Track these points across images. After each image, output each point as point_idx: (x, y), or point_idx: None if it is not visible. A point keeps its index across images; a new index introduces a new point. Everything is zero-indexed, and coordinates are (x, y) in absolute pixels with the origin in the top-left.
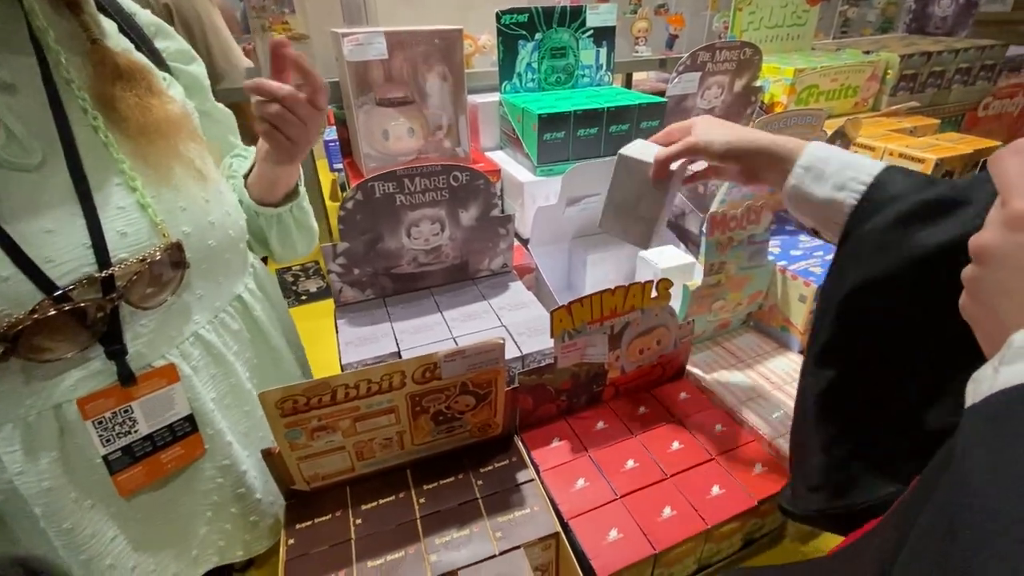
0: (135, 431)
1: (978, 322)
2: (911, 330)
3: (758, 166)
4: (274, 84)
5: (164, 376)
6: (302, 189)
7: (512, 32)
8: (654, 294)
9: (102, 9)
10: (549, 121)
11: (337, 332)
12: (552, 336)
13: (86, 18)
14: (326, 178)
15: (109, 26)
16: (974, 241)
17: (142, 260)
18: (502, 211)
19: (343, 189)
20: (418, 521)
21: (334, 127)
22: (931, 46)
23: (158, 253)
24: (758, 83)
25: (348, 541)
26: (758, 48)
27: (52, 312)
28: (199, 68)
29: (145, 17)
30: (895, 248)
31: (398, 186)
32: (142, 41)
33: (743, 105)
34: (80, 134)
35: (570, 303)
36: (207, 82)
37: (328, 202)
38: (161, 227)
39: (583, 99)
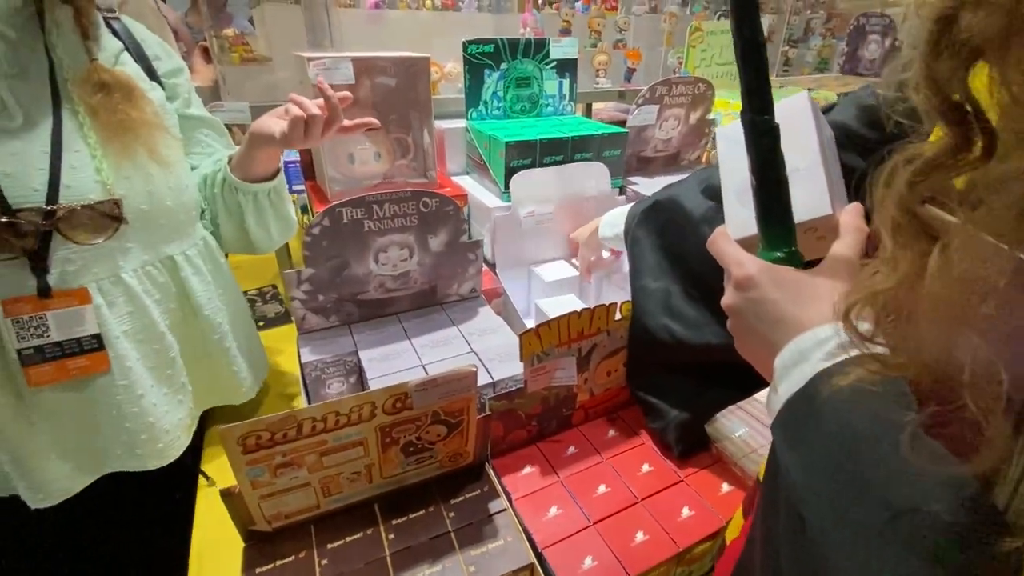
0: (47, 336)
1: (749, 356)
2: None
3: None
4: (306, 100)
5: (76, 297)
6: (281, 177)
7: (478, 61)
8: (618, 316)
9: (117, 35)
10: (516, 148)
11: (300, 361)
12: (521, 360)
13: (90, 43)
14: None
15: (114, 46)
16: (723, 302)
17: (82, 206)
18: (470, 236)
19: (304, 212)
20: (388, 558)
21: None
22: None
23: (94, 203)
24: (711, 116)
25: None
26: (711, 84)
27: (4, 219)
28: (182, 78)
29: (152, 40)
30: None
31: (367, 212)
32: (141, 60)
33: (697, 136)
34: (65, 115)
35: (538, 326)
36: (187, 93)
37: None
38: (109, 187)
39: (548, 127)
